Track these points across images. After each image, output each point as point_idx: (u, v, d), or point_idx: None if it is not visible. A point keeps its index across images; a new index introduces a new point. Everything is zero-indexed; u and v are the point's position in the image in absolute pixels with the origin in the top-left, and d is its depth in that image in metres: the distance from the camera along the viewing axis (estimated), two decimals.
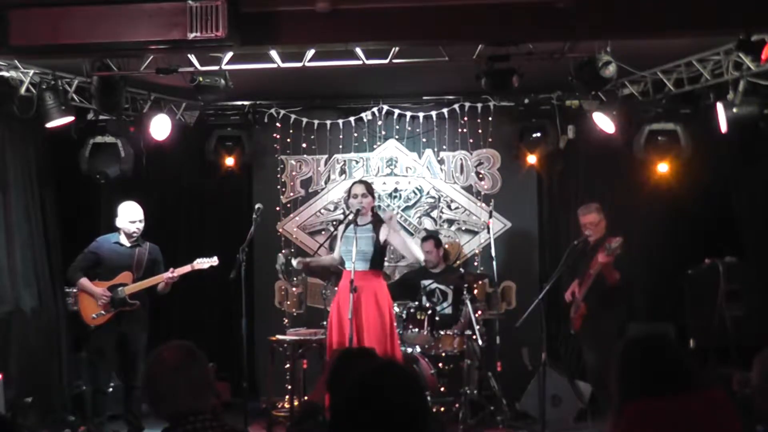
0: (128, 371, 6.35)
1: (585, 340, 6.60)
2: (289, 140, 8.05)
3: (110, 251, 6.34)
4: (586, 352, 6.64)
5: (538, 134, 7.50)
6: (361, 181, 6.39)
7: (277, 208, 8.07)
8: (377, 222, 6.16)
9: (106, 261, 6.32)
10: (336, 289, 6.54)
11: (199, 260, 6.42)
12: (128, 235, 6.34)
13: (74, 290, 6.54)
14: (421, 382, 2.27)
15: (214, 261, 6.45)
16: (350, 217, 6.15)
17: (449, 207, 8.02)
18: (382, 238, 6.06)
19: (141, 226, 6.36)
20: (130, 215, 6.33)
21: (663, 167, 6.97)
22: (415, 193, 8.05)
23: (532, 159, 7.58)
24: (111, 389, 6.62)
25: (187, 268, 6.36)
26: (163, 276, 6.29)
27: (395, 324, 6.18)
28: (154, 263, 6.42)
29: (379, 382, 2.17)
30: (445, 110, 7.89)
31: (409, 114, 7.95)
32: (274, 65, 6.05)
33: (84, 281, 6.26)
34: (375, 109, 7.95)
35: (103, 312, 6.21)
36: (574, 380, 7.02)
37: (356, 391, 2.17)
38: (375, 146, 8.04)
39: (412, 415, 2.12)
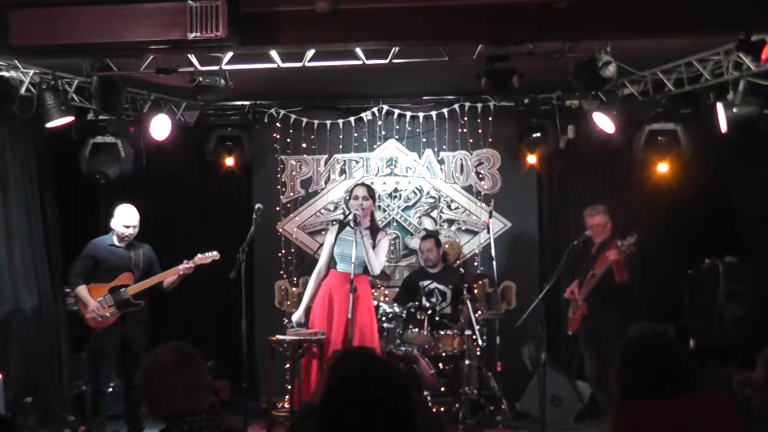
0: (128, 371, 6.35)
1: (585, 340, 6.60)
2: (289, 140, 8.04)
3: (107, 253, 6.33)
4: (585, 353, 6.64)
5: (538, 134, 7.50)
6: (363, 184, 6.42)
7: (277, 208, 8.06)
8: (375, 229, 6.21)
9: (104, 263, 6.31)
10: None
11: (199, 255, 6.42)
12: (120, 238, 6.34)
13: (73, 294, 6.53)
14: (403, 377, 2.27)
15: (215, 255, 6.44)
16: (349, 217, 6.17)
17: (449, 207, 8.02)
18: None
19: (135, 231, 6.35)
20: (125, 219, 6.31)
21: (663, 167, 6.96)
22: (415, 193, 8.05)
23: (532, 159, 7.58)
24: (111, 389, 6.62)
25: (190, 265, 6.37)
26: (178, 268, 6.30)
27: (374, 329, 6.26)
28: (150, 263, 6.44)
29: (363, 380, 2.18)
30: (445, 110, 7.88)
31: (409, 114, 7.95)
32: (274, 65, 6.05)
33: (81, 290, 6.23)
34: (375, 109, 7.95)
35: (107, 315, 6.21)
36: (574, 380, 7.03)
37: (340, 390, 2.18)
38: (375, 146, 8.03)
39: (397, 411, 2.13)
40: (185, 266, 6.31)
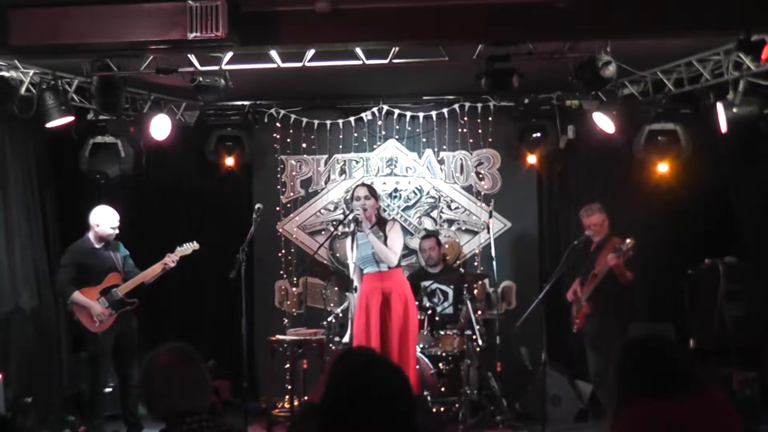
0: (125, 370, 6.37)
1: (588, 340, 6.60)
2: (289, 140, 8.04)
3: (91, 256, 6.33)
4: (589, 352, 6.64)
5: (538, 134, 7.50)
6: (363, 184, 6.36)
7: (277, 208, 8.06)
8: (382, 222, 6.15)
9: (90, 266, 6.30)
10: (336, 289, 6.50)
11: (179, 248, 6.45)
12: (102, 239, 6.34)
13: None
14: (403, 377, 2.27)
15: (195, 245, 6.50)
16: (350, 217, 6.15)
17: (449, 207, 8.02)
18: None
19: (117, 232, 6.41)
20: (112, 221, 6.35)
21: (663, 167, 6.97)
22: (415, 193, 8.05)
23: (532, 159, 7.58)
24: (111, 389, 6.62)
25: (174, 258, 6.39)
26: (163, 261, 6.33)
27: (415, 323, 6.14)
28: (125, 258, 6.48)
29: (363, 380, 2.18)
30: (445, 110, 7.89)
31: (409, 114, 7.95)
32: (274, 65, 6.04)
33: (77, 296, 6.21)
34: (375, 109, 7.95)
35: (106, 316, 6.21)
36: (574, 380, 7.03)
37: (342, 390, 2.18)
38: (375, 146, 8.03)
39: (397, 411, 2.13)
40: (169, 259, 6.33)
